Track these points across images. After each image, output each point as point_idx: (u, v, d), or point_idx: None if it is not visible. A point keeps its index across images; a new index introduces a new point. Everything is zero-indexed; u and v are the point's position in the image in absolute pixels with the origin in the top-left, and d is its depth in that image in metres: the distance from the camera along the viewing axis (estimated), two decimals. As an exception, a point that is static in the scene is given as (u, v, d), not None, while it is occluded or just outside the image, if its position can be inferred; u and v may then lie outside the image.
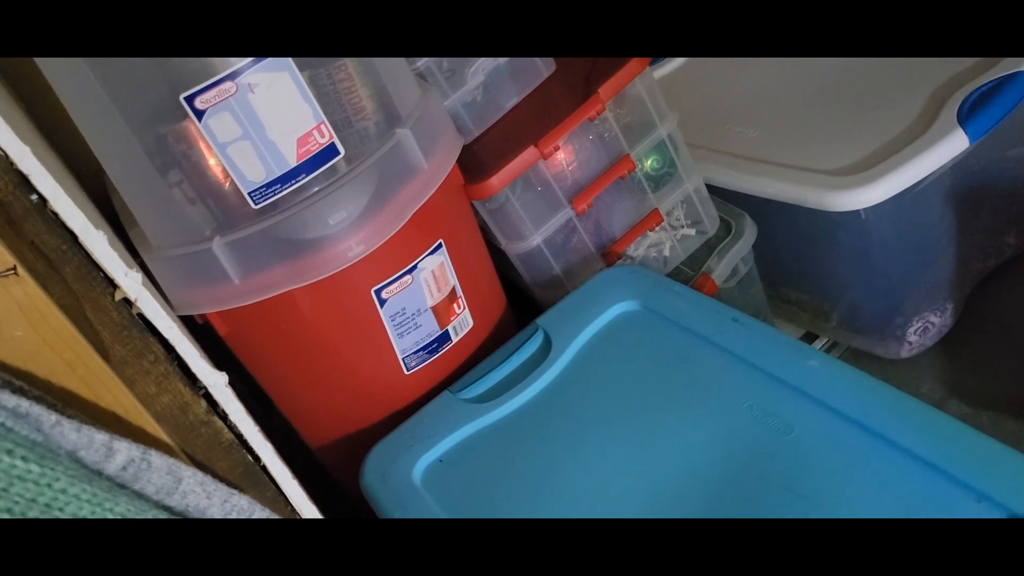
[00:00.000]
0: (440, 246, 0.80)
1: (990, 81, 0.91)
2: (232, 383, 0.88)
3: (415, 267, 0.78)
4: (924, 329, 1.05)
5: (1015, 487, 0.55)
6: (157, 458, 0.46)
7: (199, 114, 0.65)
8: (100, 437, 0.43)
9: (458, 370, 0.86)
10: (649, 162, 0.95)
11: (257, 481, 0.67)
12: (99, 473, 0.42)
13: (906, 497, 0.57)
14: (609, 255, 0.95)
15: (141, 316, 0.59)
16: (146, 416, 0.58)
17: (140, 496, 0.44)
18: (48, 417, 0.41)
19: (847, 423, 0.63)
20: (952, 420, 0.60)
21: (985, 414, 1.00)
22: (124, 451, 0.44)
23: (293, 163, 0.69)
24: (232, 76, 0.64)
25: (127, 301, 0.58)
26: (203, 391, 0.63)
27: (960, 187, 0.97)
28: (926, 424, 0.60)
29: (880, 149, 0.92)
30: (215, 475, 0.64)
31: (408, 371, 0.82)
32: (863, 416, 0.63)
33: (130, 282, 0.56)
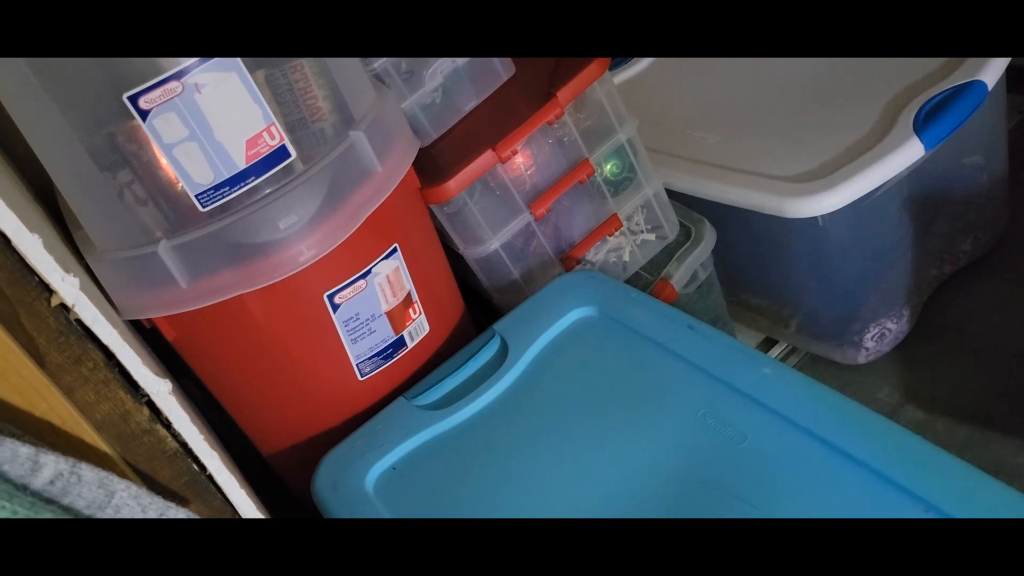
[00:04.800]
0: (395, 250, 0.79)
1: (946, 90, 0.92)
2: (188, 388, 0.87)
3: (369, 272, 0.77)
4: (881, 335, 1.05)
5: (963, 499, 0.55)
6: (88, 471, 0.44)
7: (143, 114, 0.63)
8: (25, 451, 0.41)
9: (414, 376, 0.85)
10: (608, 167, 0.94)
11: (202, 491, 0.66)
12: (24, 488, 0.40)
13: (857, 508, 0.57)
14: (568, 260, 0.94)
15: (79, 322, 0.57)
16: (84, 425, 0.56)
17: (69, 511, 0.43)
18: (-33, 431, 0.40)
19: (800, 433, 0.63)
20: (905, 431, 0.60)
21: (940, 420, 1.01)
22: (51, 465, 0.42)
23: (242, 165, 0.67)
24: (178, 75, 0.63)
25: (64, 307, 0.56)
26: (146, 399, 0.61)
27: (916, 194, 0.97)
28: (879, 435, 0.60)
29: (837, 157, 0.92)
30: (158, 485, 0.63)
31: (362, 377, 0.81)
32: (816, 426, 0.63)
33: (67, 287, 0.55)
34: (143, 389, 0.61)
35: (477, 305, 1.00)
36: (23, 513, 0.37)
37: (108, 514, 0.45)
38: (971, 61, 0.93)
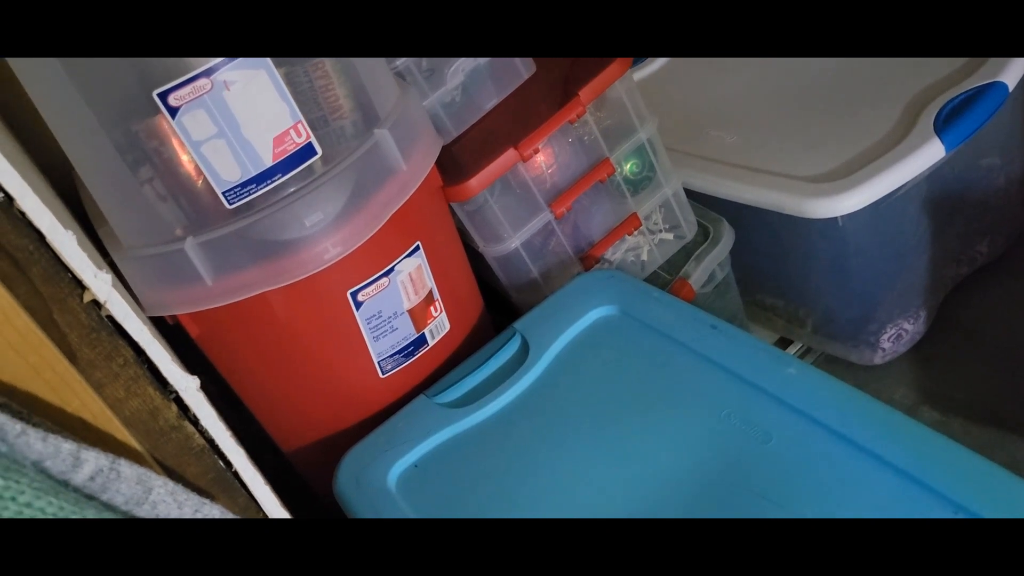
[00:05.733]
0: (418, 248, 0.79)
1: (967, 91, 0.92)
2: (203, 385, 0.87)
3: (392, 269, 0.77)
4: (897, 336, 1.05)
5: (992, 499, 0.55)
6: (127, 467, 0.45)
7: (173, 111, 0.63)
8: (67, 446, 0.42)
9: (434, 374, 0.85)
10: (628, 166, 0.94)
11: (228, 487, 0.66)
12: (66, 484, 0.41)
13: (885, 508, 0.57)
14: (587, 259, 0.94)
15: (110, 318, 0.57)
16: (114, 421, 0.56)
17: (109, 507, 0.43)
18: (13, 426, 0.40)
19: (826, 432, 0.63)
20: (931, 431, 0.60)
21: (956, 421, 1.01)
22: (92, 460, 0.43)
23: (269, 163, 0.67)
24: (207, 73, 0.63)
25: (96, 303, 0.56)
26: (174, 395, 0.62)
27: (935, 195, 0.97)
28: (906, 435, 0.60)
29: (858, 157, 0.92)
30: (185, 481, 0.63)
31: (383, 375, 0.81)
32: (842, 426, 0.62)
33: (99, 283, 0.55)
34: (171, 386, 0.61)
35: (494, 304, 1.00)
36: (69, 509, 0.37)
37: (145, 510, 0.45)
38: (992, 62, 0.93)
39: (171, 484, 0.47)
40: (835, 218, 0.90)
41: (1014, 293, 1.11)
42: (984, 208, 1.06)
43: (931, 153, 0.89)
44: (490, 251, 0.90)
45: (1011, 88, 0.91)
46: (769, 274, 1.09)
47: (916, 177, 0.90)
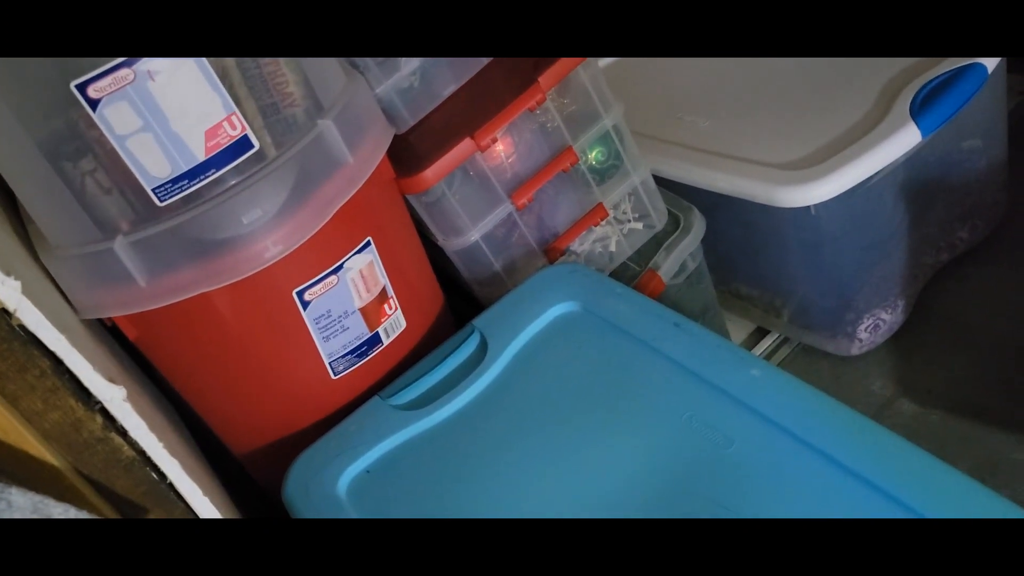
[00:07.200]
0: (368, 244, 0.76)
1: (944, 73, 0.88)
2: (162, 387, 0.83)
3: (341, 267, 0.74)
4: (875, 326, 1.02)
5: (950, 505, 0.53)
6: (19, 496, 0.41)
7: (93, 104, 0.59)
8: (-55, 478, 0.38)
9: (390, 374, 0.82)
10: (594, 154, 0.91)
11: (163, 500, 0.63)
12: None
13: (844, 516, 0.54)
14: (552, 251, 0.91)
15: (24, 327, 0.54)
16: (28, 437, 0.53)
17: (-4, 540, 0.40)
18: None
19: (788, 438, 0.60)
20: (894, 436, 0.58)
21: (935, 413, 0.98)
22: (-24, 492, 0.39)
23: (201, 157, 0.64)
24: (129, 63, 0.59)
25: (6, 311, 0.52)
26: (99, 406, 0.58)
27: (913, 181, 0.94)
28: (868, 440, 0.58)
29: (831, 143, 0.89)
30: (114, 495, 0.60)
31: (335, 375, 0.78)
32: (804, 431, 0.60)
33: (7, 291, 0.51)
34: (95, 396, 0.58)
35: (461, 294, 0.96)
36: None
37: (43, 540, 0.42)
38: (971, 43, 0.90)
39: (73, 511, 0.44)
40: (807, 207, 0.87)
41: (996, 280, 1.08)
42: (965, 193, 1.03)
43: (907, 139, 0.85)
44: (449, 244, 0.87)
45: (990, 70, 0.88)
46: (744, 264, 1.06)
47: (891, 163, 0.87)
